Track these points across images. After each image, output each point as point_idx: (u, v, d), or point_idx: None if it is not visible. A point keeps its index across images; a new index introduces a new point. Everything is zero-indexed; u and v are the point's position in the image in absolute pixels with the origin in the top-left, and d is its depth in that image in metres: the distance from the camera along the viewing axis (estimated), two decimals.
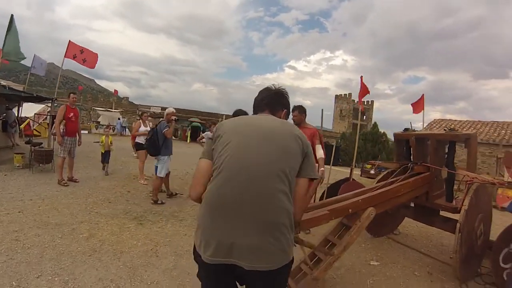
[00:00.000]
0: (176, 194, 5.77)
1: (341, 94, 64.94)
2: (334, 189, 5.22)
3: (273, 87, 1.66)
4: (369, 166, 12.24)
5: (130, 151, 10.60)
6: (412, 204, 4.47)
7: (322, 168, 4.35)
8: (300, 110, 4.33)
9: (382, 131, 26.30)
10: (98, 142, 7.45)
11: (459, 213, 3.40)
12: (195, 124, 26.60)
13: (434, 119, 19.57)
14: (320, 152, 4.46)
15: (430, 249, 4.35)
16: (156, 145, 5.06)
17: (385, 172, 4.73)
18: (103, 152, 7.52)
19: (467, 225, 3.25)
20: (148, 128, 7.10)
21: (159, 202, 5.10)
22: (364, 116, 57.33)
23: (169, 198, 5.53)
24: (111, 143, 7.64)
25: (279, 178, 1.33)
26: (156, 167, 5.31)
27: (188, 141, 24.46)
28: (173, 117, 5.31)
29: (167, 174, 5.50)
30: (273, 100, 1.63)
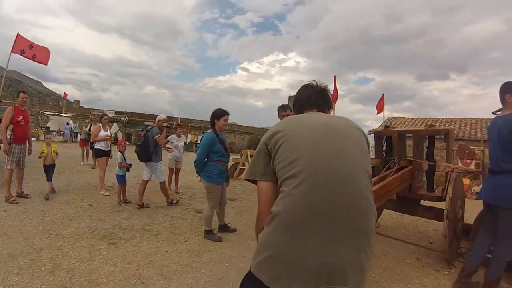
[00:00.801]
0: (147, 205, 5.32)
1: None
2: None
3: (316, 83, 1.49)
4: None
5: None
6: (395, 197, 4.57)
7: None
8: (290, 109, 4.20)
9: None
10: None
11: (443, 201, 3.66)
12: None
13: (389, 117, 20.24)
14: None
15: (410, 237, 4.57)
16: (147, 152, 5.10)
17: None
18: (45, 165, 5.78)
19: (452, 211, 3.49)
20: (109, 133, 6.52)
21: (145, 206, 5.21)
22: None
23: (138, 209, 5.09)
24: (55, 153, 5.86)
25: (366, 179, 1.16)
26: (119, 176, 5.39)
27: None
28: (165, 124, 5.36)
29: (145, 182, 5.27)
30: (320, 99, 1.46)
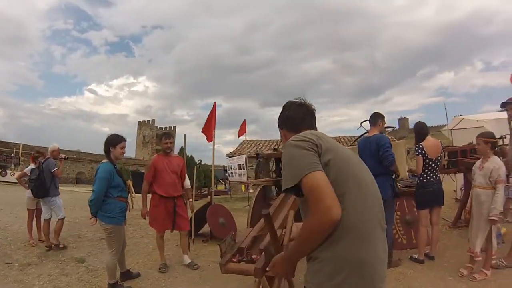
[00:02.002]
0: (60, 245, 4.56)
1: (144, 121, 64.33)
2: (201, 213, 5.40)
3: (305, 101, 1.53)
4: (221, 187, 13.50)
5: None
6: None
7: (191, 200, 4.60)
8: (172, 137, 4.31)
9: (190, 155, 26.78)
10: None
11: None
12: None
13: (243, 141, 21.24)
14: (187, 182, 4.60)
15: None
16: (44, 186, 4.55)
17: (258, 189, 5.21)
18: None
19: None
20: None
21: (61, 246, 4.56)
22: None
23: (48, 251, 4.36)
24: None
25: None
26: None
27: None
28: (63, 156, 5.03)
29: (48, 222, 4.69)
30: (313, 120, 1.52)
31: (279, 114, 1.59)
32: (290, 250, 1.30)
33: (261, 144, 21.35)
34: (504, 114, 4.68)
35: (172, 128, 63.17)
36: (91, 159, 29.20)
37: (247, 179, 13.30)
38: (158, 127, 59.23)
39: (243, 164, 13.82)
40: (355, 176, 1.22)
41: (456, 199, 6.88)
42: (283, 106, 1.58)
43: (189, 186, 4.23)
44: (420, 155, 3.81)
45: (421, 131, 4.03)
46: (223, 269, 1.88)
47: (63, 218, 4.69)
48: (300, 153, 1.20)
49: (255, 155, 15.99)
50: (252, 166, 14.93)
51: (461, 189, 6.41)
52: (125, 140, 3.47)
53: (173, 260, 4.21)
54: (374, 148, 3.61)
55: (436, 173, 3.88)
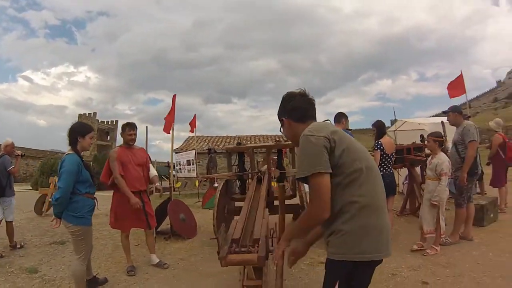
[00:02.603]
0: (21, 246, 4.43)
1: (85, 114, 58.86)
2: (161, 210, 5.27)
3: (308, 93, 1.65)
4: (197, 182, 13.19)
5: None
6: None
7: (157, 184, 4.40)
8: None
9: (139, 146, 25.31)
10: None
11: (294, 197, 4.80)
12: None
13: (189, 136, 20.35)
14: (154, 171, 4.40)
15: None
16: (1, 185, 4.28)
17: (222, 183, 5.16)
18: None
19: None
20: None
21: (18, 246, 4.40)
22: (108, 137, 55.94)
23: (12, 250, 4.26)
24: None
25: None
26: None
27: None
28: (18, 152, 4.78)
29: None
30: (315, 111, 1.67)
31: (281, 102, 1.69)
32: (288, 230, 1.68)
33: (207, 140, 21.13)
34: (438, 119, 5.37)
35: (114, 123, 58.55)
36: (27, 154, 25.61)
37: (197, 175, 13.13)
38: (99, 121, 54.39)
39: (192, 159, 13.49)
40: (366, 161, 1.46)
41: (399, 192, 7.63)
42: (285, 97, 1.68)
43: (156, 174, 3.94)
44: (378, 150, 4.17)
45: (382, 128, 4.45)
46: (224, 261, 1.79)
47: (11, 221, 4.42)
48: (314, 150, 1.39)
49: (206, 151, 15.79)
50: (200, 162, 14.70)
51: (403, 183, 7.14)
52: (93, 130, 3.17)
53: (139, 261, 3.96)
54: None
55: (391, 167, 4.31)
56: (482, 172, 5.45)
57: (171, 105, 6.23)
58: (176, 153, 17.29)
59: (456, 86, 7.23)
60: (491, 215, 4.83)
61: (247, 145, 5.55)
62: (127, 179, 3.55)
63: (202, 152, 17.33)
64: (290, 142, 5.56)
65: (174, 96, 6.30)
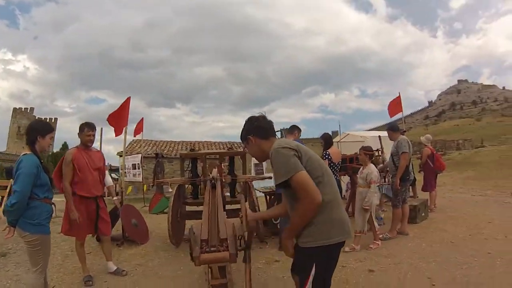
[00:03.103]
0: None
1: (21, 108, 52.10)
2: (112, 214, 5.05)
3: (265, 115, 2.03)
4: (145, 187, 12.89)
5: None
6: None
7: (115, 198, 4.45)
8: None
9: None
10: None
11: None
12: None
13: (133, 140, 19.43)
14: (109, 179, 4.45)
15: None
16: None
17: (175, 188, 5.27)
18: None
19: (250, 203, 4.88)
20: None
21: None
22: None
23: None
24: None
25: None
26: None
27: None
28: None
29: None
30: (273, 130, 2.06)
31: (246, 123, 2.02)
32: (290, 229, 1.81)
33: (151, 144, 20.55)
34: (377, 133, 6.24)
35: (53, 120, 53.67)
36: None
37: (142, 180, 12.76)
38: (36, 117, 48.32)
39: (138, 163, 13.10)
40: (324, 168, 1.84)
41: (343, 197, 8.47)
42: (250, 118, 2.03)
43: (112, 183, 3.82)
44: (326, 159, 4.75)
45: (329, 140, 5.12)
46: (198, 261, 1.98)
47: None
48: (288, 157, 1.70)
49: (150, 155, 15.28)
50: (144, 166, 14.24)
51: (346, 190, 7.90)
52: (54, 130, 2.96)
53: (94, 270, 3.80)
54: None
55: (337, 174, 4.92)
56: (415, 179, 6.32)
57: (119, 106, 6.08)
58: (120, 156, 16.48)
59: (395, 105, 8.56)
60: (423, 214, 5.70)
61: (201, 151, 5.73)
62: (83, 184, 3.41)
63: (147, 156, 16.79)
64: (241, 151, 5.93)
65: (128, 99, 6.18)
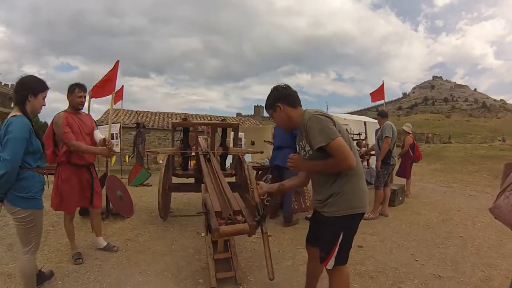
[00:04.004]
0: None
1: None
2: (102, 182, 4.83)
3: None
4: (127, 157, 12.59)
5: None
6: (193, 180, 5.21)
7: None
8: None
9: (43, 121, 22.55)
10: None
11: (234, 175, 4.96)
12: None
13: (108, 109, 18.50)
14: (99, 135, 4.13)
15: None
16: None
17: (165, 158, 5.08)
18: None
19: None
20: None
21: None
22: (12, 104, 47.27)
23: None
24: None
25: None
26: None
27: None
28: None
29: None
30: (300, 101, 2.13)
31: (273, 92, 2.03)
32: (310, 164, 1.95)
33: (128, 114, 19.91)
34: (361, 118, 6.48)
35: None
36: None
37: (120, 150, 12.39)
38: (3, 84, 43.28)
39: (116, 133, 12.66)
40: (350, 141, 1.93)
41: None
42: (276, 87, 2.05)
43: (102, 136, 3.50)
44: None
45: None
46: (217, 233, 1.93)
47: None
48: (328, 122, 1.80)
49: (135, 124, 14.84)
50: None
51: None
52: (49, 88, 2.48)
53: (82, 246, 3.50)
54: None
55: None
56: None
57: (108, 72, 5.72)
58: (98, 125, 15.71)
59: (378, 93, 8.93)
60: (400, 198, 6.11)
61: (193, 121, 5.48)
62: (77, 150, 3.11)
63: (124, 127, 16.28)
64: (235, 122, 5.82)
65: (117, 63, 5.78)
